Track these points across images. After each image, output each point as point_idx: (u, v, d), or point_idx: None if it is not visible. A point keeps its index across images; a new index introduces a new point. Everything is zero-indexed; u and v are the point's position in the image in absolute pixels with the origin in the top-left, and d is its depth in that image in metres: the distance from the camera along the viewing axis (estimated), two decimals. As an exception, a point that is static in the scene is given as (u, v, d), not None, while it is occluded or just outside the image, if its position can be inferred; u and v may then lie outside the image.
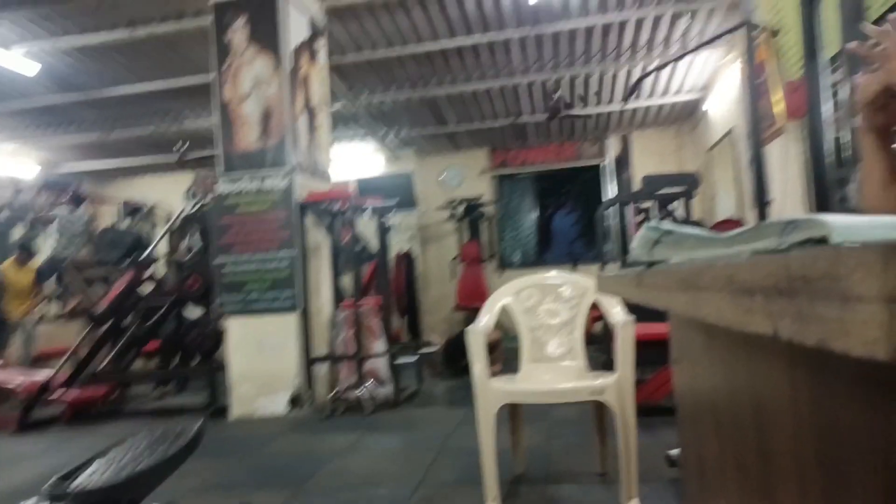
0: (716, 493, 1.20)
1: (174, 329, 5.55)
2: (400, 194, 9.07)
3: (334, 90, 6.88)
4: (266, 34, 4.92)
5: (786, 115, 4.73)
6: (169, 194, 9.17)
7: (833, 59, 3.19)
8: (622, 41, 6.77)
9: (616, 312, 2.61)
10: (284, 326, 4.78)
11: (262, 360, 4.76)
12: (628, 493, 2.28)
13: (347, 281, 5.81)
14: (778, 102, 4.84)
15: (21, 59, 6.01)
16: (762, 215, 3.78)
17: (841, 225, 0.38)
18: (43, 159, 9.40)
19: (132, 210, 8.66)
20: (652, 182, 5.04)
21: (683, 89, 8.15)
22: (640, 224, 6.31)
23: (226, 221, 4.92)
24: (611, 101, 8.42)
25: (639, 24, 6.40)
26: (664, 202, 5.10)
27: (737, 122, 6.75)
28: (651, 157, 9.23)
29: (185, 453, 1.68)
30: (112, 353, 5.30)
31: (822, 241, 0.38)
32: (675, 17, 6.28)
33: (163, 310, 5.37)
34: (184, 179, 7.31)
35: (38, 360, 6.20)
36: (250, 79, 4.97)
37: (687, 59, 7.20)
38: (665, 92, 8.22)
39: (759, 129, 4.12)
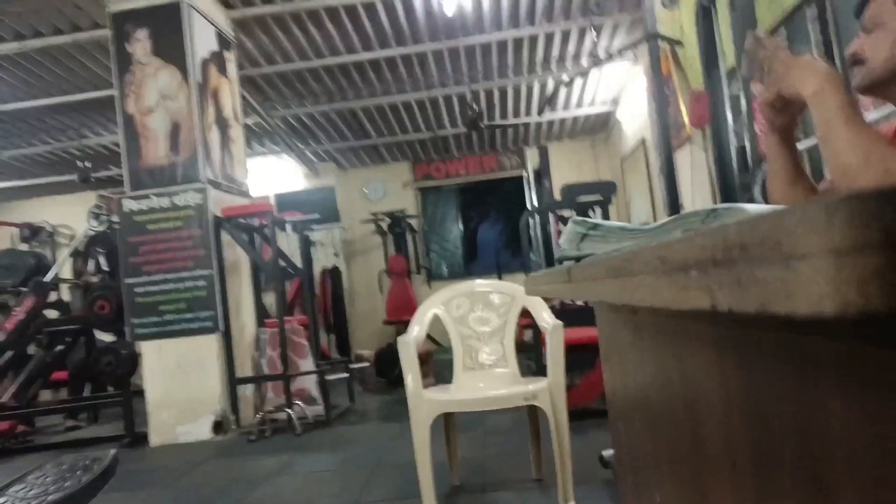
0: (650, 488, 1.22)
1: (84, 356, 5.19)
2: (322, 209, 8.93)
3: (248, 104, 6.70)
4: (170, 46, 4.72)
5: (690, 124, 4.99)
6: (72, 215, 8.62)
7: (732, 72, 3.39)
8: (535, 55, 6.97)
9: (545, 317, 2.65)
10: (205, 348, 4.57)
11: (182, 384, 4.52)
12: (565, 496, 2.30)
13: (271, 299, 5.64)
14: (684, 112, 5.11)
15: None
16: (675, 218, 3.95)
17: (759, 211, 0.38)
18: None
19: (32, 232, 8.08)
20: (571, 191, 5.19)
21: (596, 101, 8.47)
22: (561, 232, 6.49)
23: (135, 240, 4.66)
24: (528, 112, 8.64)
25: (549, 38, 6.62)
26: (583, 210, 5.26)
27: (648, 132, 7.07)
28: (569, 167, 9.52)
29: (97, 484, 1.56)
30: (15, 385, 4.90)
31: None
32: (582, 33, 6.53)
33: (70, 336, 5.01)
34: (88, 199, 6.90)
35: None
36: (155, 92, 4.75)
37: (598, 72, 7.51)
38: (579, 104, 8.51)
39: (668, 137, 4.33)
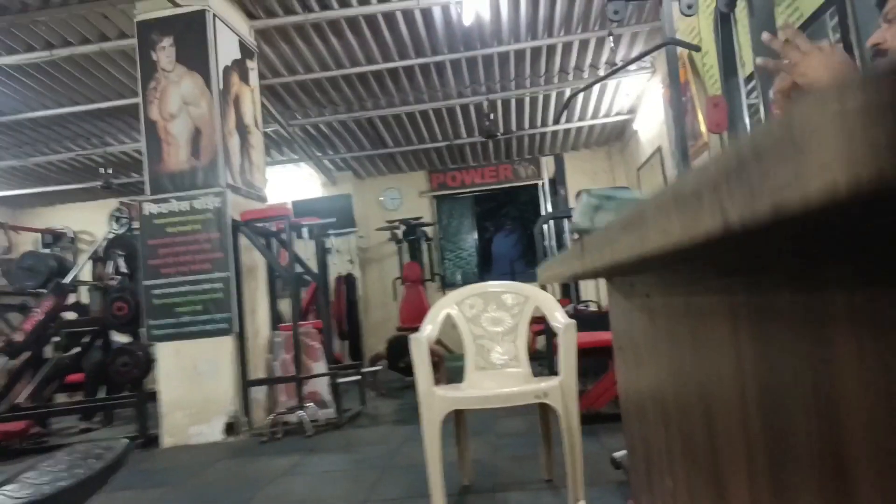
0: (662, 474, 1.20)
1: (100, 358, 5.25)
2: (338, 216, 8.98)
3: (269, 113, 6.78)
4: (194, 54, 4.80)
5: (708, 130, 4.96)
6: (93, 222, 8.76)
7: (749, 78, 3.37)
8: (552, 64, 6.99)
9: (558, 316, 2.63)
10: (220, 350, 4.60)
11: (195, 385, 4.55)
12: (575, 497, 2.27)
13: (286, 304, 5.67)
14: (702, 119, 5.09)
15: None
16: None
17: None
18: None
19: (54, 238, 8.21)
20: (586, 197, 5.16)
21: (613, 111, 8.46)
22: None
23: (154, 243, 4.72)
24: (544, 122, 8.65)
25: (566, 48, 6.64)
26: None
27: (664, 141, 7.04)
28: (584, 176, 9.50)
29: (109, 472, 1.57)
30: (31, 386, 4.96)
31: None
32: (600, 43, 6.54)
33: (87, 338, 5.06)
34: (109, 205, 7.00)
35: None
36: (178, 98, 4.83)
37: (615, 81, 7.51)
38: (595, 114, 8.51)
39: (686, 146, 4.30)
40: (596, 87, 7.63)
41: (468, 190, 10.41)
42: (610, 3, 4.10)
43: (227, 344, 4.60)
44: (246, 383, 4.60)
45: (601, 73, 7.15)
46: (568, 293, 7.26)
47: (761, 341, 0.68)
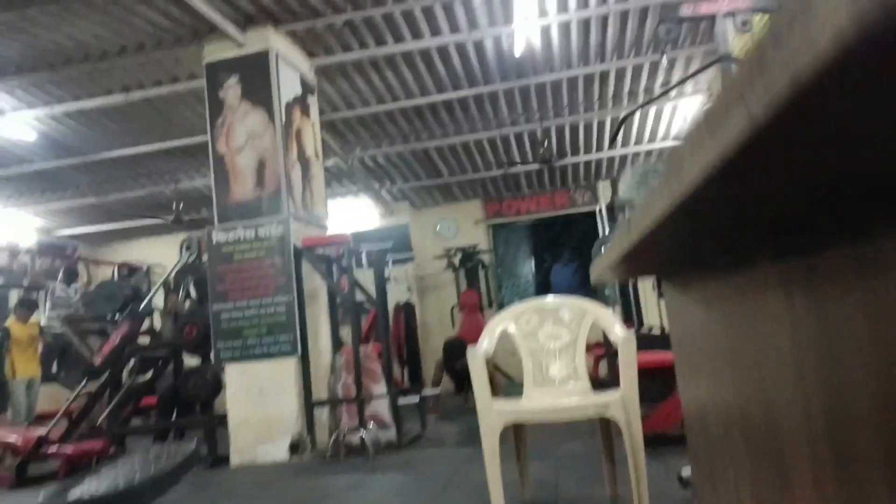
0: (727, 481, 1.16)
1: (172, 381, 5.47)
2: (396, 246, 9.14)
3: (328, 146, 7.04)
4: (258, 91, 5.07)
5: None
6: (166, 256, 9.20)
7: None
8: (605, 90, 7.00)
9: (616, 330, 2.60)
10: (284, 371, 4.73)
11: (261, 406, 4.68)
12: (640, 512, 2.22)
13: (347, 331, 5.78)
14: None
15: (18, 125, 6.16)
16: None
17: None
18: (40, 224, 9.48)
19: (130, 271, 8.66)
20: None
21: (670, 135, 8.37)
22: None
23: (222, 269, 4.94)
24: (599, 148, 8.63)
25: (620, 73, 6.65)
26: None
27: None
28: (642, 201, 9.37)
29: (180, 470, 1.65)
30: (109, 407, 5.21)
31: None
32: (654, 68, 6.53)
33: (160, 361, 5.30)
34: (180, 239, 7.36)
35: (39, 420, 6.09)
36: (244, 133, 5.09)
37: (671, 105, 7.45)
38: (652, 138, 8.43)
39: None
40: (652, 111, 7.59)
41: (524, 218, 10.43)
42: (661, 24, 4.11)
43: (290, 366, 4.73)
44: (309, 404, 4.70)
45: (655, 94, 7.11)
46: (630, 317, 7.12)
47: (815, 311, 0.68)
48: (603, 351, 4.88)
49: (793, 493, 0.81)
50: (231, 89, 5.14)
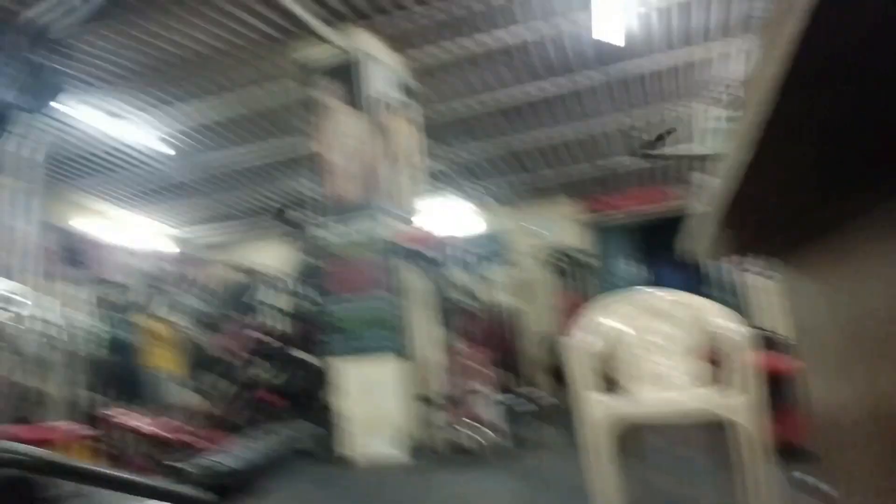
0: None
1: (287, 378, 5.79)
2: (492, 248, 9.18)
3: (423, 146, 7.19)
4: (353, 92, 5.28)
5: None
6: (281, 259, 9.77)
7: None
8: (709, 77, 6.67)
9: (734, 328, 2.42)
10: (388, 368, 4.87)
11: (367, 402, 4.82)
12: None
13: (451, 328, 5.88)
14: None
15: (158, 141, 6.79)
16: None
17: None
18: (175, 233, 10.38)
19: (248, 274, 9.26)
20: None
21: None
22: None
23: (328, 266, 5.18)
24: (704, 140, 8.21)
25: (723, 59, 6.31)
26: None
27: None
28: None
29: (294, 454, 1.75)
30: (234, 404, 5.59)
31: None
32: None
33: (279, 360, 5.64)
34: (292, 243, 7.79)
35: (168, 412, 6.62)
36: (340, 132, 5.32)
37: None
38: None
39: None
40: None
41: (626, 216, 10.12)
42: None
43: (395, 363, 4.86)
44: (415, 402, 4.81)
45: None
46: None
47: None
48: (713, 352, 4.62)
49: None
50: (329, 90, 5.39)
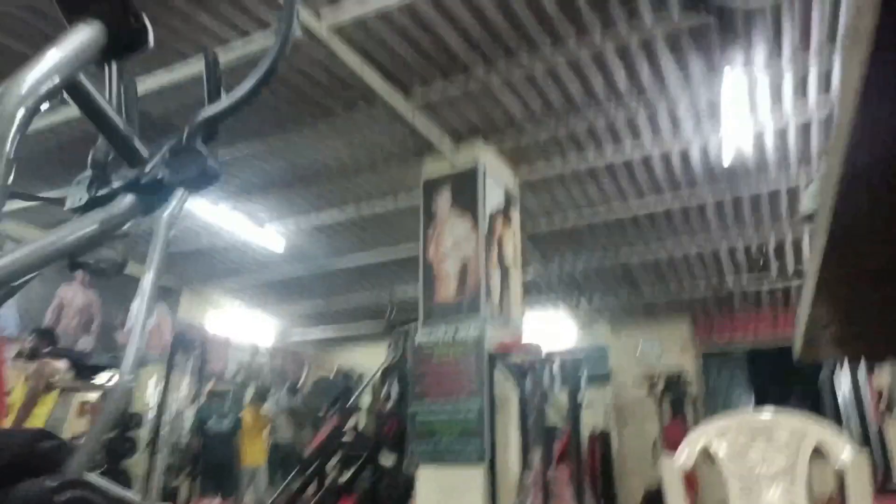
0: None
1: (370, 480, 5.67)
2: (593, 367, 8.79)
3: (527, 257, 7.24)
4: (466, 202, 5.49)
5: None
6: (379, 363, 9.90)
7: None
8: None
9: (845, 449, 2.17)
10: (471, 479, 4.66)
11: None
12: None
13: (541, 443, 5.59)
14: None
15: (272, 235, 7.31)
16: None
17: None
18: (277, 326, 10.86)
19: (344, 376, 9.42)
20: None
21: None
22: (879, 399, 5.31)
23: (422, 370, 5.17)
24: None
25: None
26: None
27: None
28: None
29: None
30: (312, 501, 5.52)
31: None
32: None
33: (360, 460, 5.56)
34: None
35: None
36: (450, 239, 5.48)
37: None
38: None
39: None
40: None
41: (740, 345, 9.47)
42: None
43: (479, 473, 4.65)
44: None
45: None
46: (878, 465, 5.90)
47: None
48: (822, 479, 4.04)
49: None
50: (442, 200, 5.64)
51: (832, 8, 4.00)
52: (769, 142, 5.52)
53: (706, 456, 2.46)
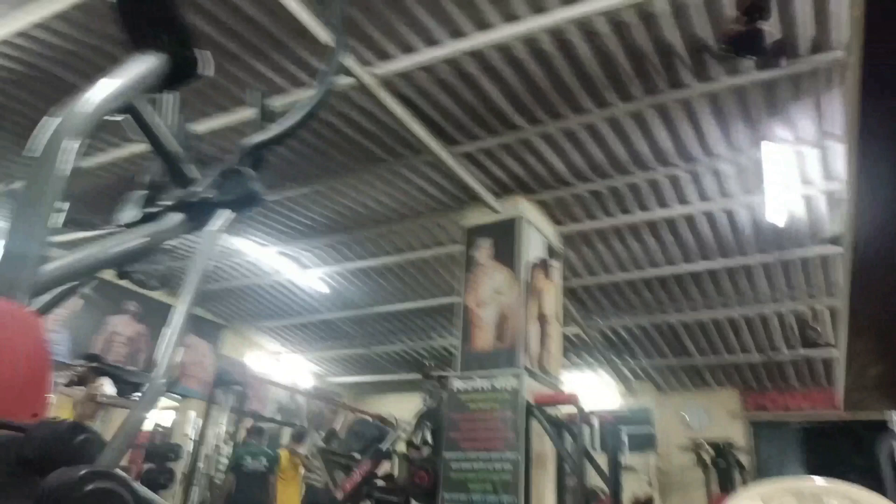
0: None
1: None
2: (636, 431, 8.50)
3: (568, 313, 7.15)
4: (506, 251, 5.53)
5: None
6: (413, 411, 9.82)
7: None
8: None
9: None
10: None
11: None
12: None
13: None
14: None
15: (316, 280, 7.46)
16: None
17: None
18: (314, 369, 10.93)
19: (380, 422, 9.34)
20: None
21: None
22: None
23: (457, 417, 5.11)
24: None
25: None
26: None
27: None
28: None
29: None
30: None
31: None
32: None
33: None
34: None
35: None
36: (490, 289, 5.49)
37: None
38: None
39: None
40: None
41: (793, 416, 9.00)
42: None
43: (511, 529, 4.51)
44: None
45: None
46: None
47: None
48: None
49: None
50: (484, 249, 5.68)
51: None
52: (821, 203, 5.39)
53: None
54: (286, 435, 8.35)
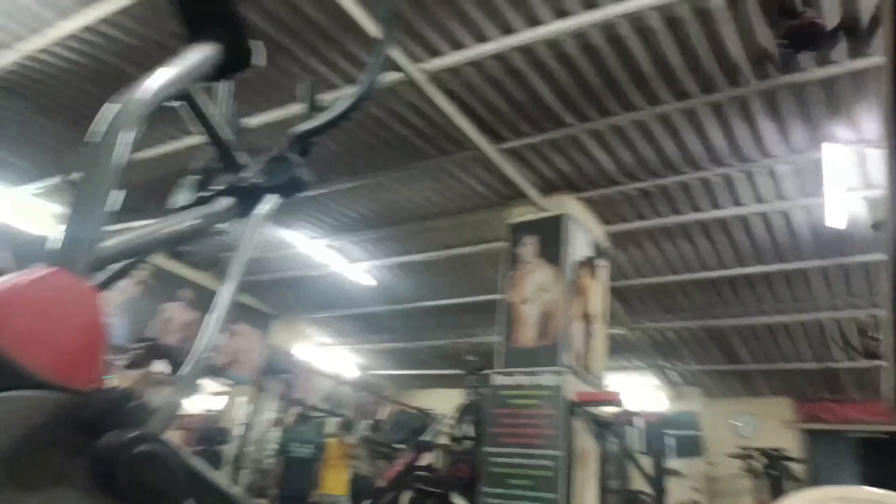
0: None
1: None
2: (684, 436, 8.30)
3: (614, 314, 7.04)
4: (552, 248, 5.49)
5: None
6: (456, 405, 9.87)
7: None
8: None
9: None
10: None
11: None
12: None
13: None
14: None
15: (362, 273, 7.57)
16: None
17: None
18: (360, 361, 11.11)
19: (423, 414, 9.43)
20: None
21: None
22: None
23: (498, 413, 5.12)
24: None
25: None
26: None
27: None
28: None
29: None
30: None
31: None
32: None
33: (432, 496, 5.52)
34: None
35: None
36: (533, 285, 5.47)
37: None
38: None
39: None
40: None
41: (849, 428, 8.65)
42: None
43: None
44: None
45: None
46: None
47: None
48: None
49: None
50: (529, 246, 5.66)
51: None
52: (882, 205, 5.15)
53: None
54: (330, 424, 8.52)
